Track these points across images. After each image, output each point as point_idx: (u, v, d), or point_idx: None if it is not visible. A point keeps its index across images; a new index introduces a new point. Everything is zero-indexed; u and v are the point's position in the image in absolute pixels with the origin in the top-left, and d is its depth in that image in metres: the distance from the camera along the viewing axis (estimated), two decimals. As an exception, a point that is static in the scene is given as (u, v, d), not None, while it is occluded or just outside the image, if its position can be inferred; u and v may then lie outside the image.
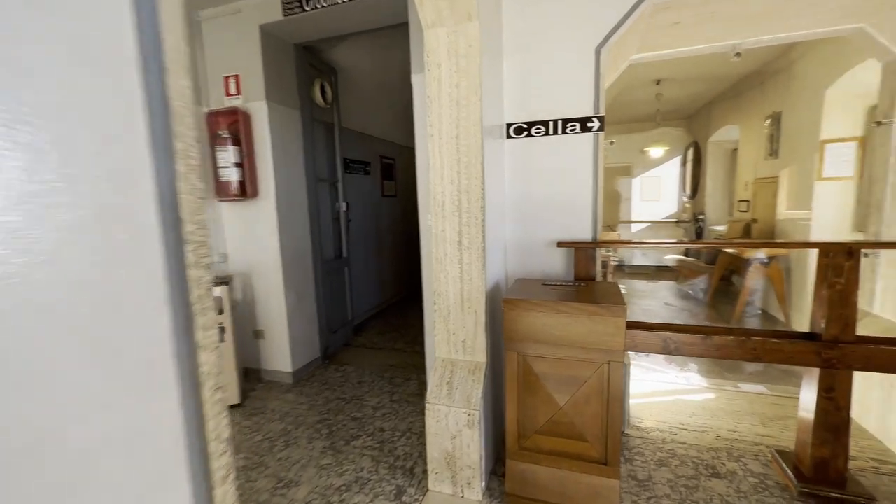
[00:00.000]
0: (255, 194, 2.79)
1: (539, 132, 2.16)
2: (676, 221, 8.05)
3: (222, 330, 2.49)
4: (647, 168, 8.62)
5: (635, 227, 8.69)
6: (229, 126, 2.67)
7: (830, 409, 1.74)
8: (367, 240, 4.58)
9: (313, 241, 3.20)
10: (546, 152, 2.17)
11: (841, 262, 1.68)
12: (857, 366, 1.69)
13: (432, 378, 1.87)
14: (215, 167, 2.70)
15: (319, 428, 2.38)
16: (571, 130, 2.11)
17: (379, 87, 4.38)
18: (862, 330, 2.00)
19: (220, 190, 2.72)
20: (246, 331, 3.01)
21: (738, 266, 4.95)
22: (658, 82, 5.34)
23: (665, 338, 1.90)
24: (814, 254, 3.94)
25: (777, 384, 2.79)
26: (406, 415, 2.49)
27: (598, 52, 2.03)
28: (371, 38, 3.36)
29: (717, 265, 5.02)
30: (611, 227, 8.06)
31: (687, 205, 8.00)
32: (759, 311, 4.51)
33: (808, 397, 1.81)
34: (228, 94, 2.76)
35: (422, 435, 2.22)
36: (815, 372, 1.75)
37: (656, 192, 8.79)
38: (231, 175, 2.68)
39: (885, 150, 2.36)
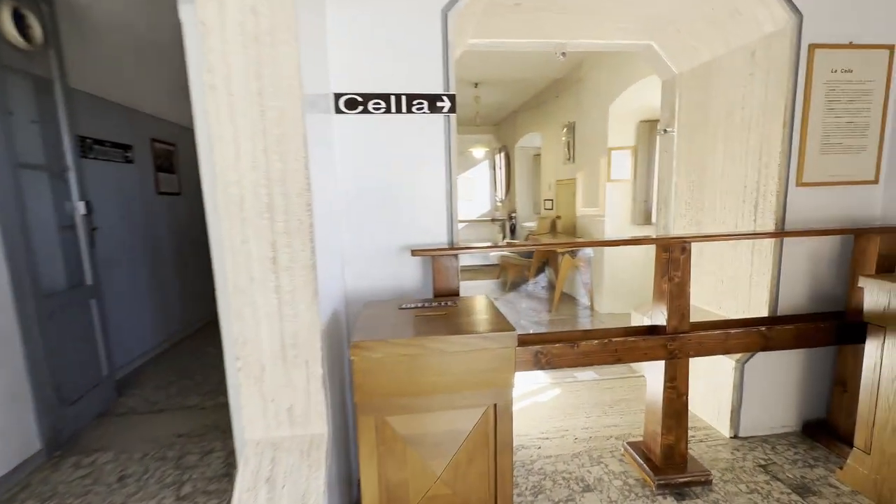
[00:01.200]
0: None
1: (379, 108, 1.67)
2: (492, 220, 8.76)
3: None
4: (463, 169, 9.14)
5: (460, 226, 9.10)
6: None
7: (674, 396, 1.80)
8: (134, 255, 3.27)
9: (12, 267, 1.94)
10: (389, 135, 1.70)
11: (678, 257, 1.74)
12: (693, 353, 1.79)
13: (242, 476, 1.18)
14: None
15: None
16: (419, 109, 1.69)
17: (144, 42, 3.13)
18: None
19: None
20: None
21: (550, 258, 5.53)
22: (476, 85, 5.53)
23: (535, 352, 1.68)
24: (610, 249, 4.67)
25: (602, 367, 3.04)
26: (205, 518, 1.66)
27: (445, 15, 1.66)
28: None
29: (534, 259, 5.51)
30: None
31: (499, 204, 8.81)
32: (569, 296, 5.11)
33: (655, 388, 1.85)
34: None
35: (231, 551, 1.47)
36: (661, 363, 1.80)
37: (471, 192, 9.44)
38: None
39: (669, 154, 2.75)
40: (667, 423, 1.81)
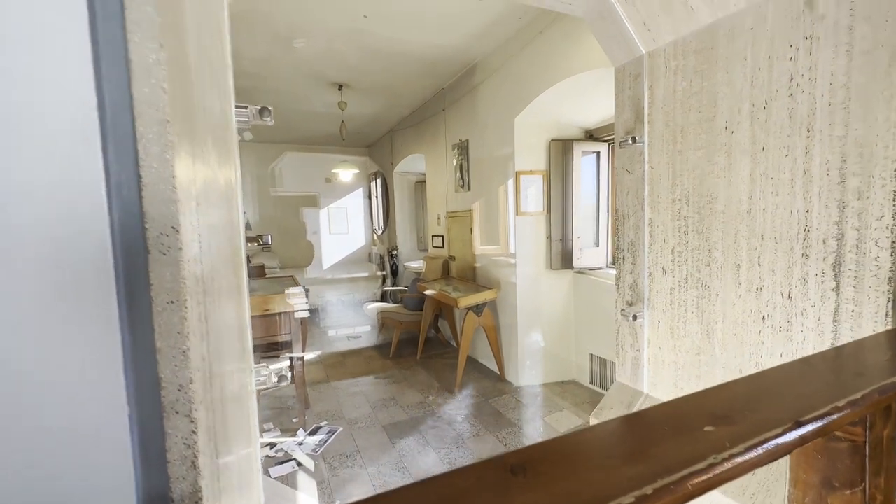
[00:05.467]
0: None
1: None
2: (372, 272, 7.35)
3: None
4: (335, 198, 7.62)
5: (326, 265, 7.47)
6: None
7: None
8: None
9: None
10: None
11: (880, 435, 0.63)
12: None
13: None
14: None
15: None
16: None
17: None
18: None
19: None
20: None
21: (444, 309, 4.36)
22: (340, 88, 4.21)
23: None
24: (523, 295, 3.69)
25: None
26: None
27: None
28: None
29: (424, 312, 4.26)
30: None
31: (376, 238, 7.48)
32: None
33: None
34: None
35: None
36: None
37: (344, 224, 7.95)
38: None
39: (635, 176, 1.79)
40: None
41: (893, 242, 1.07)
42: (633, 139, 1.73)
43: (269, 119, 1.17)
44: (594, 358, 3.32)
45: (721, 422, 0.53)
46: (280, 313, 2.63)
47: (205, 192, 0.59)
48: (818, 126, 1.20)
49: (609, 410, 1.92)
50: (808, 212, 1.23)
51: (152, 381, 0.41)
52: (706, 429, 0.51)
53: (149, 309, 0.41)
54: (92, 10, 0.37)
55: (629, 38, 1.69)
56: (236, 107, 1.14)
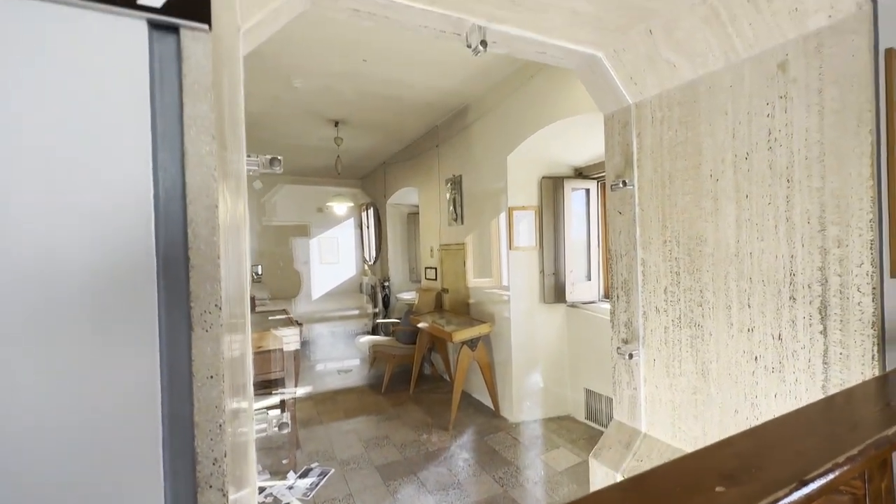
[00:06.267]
0: None
1: None
2: (366, 302, 7.31)
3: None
4: (326, 228, 7.64)
5: (316, 294, 7.40)
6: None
7: None
8: None
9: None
10: None
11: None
12: None
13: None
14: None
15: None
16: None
17: None
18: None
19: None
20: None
21: (437, 343, 4.33)
22: (336, 124, 4.32)
23: None
24: (516, 328, 3.69)
25: None
26: None
27: None
28: None
29: (418, 346, 4.23)
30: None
31: (367, 267, 7.47)
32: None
33: None
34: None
35: None
36: None
37: (335, 254, 7.94)
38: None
39: (626, 218, 1.86)
40: None
41: (874, 289, 1.13)
42: (624, 183, 1.81)
43: (278, 168, 1.21)
44: (589, 393, 3.31)
45: (730, 482, 0.55)
46: (274, 350, 2.59)
47: (231, 255, 0.61)
48: (797, 177, 1.28)
49: (608, 450, 1.91)
50: (792, 257, 1.30)
51: (188, 456, 0.42)
52: (717, 489, 0.53)
53: (189, 384, 0.42)
54: (153, 107, 0.40)
55: (617, 90, 1.80)
56: (248, 156, 1.18)
